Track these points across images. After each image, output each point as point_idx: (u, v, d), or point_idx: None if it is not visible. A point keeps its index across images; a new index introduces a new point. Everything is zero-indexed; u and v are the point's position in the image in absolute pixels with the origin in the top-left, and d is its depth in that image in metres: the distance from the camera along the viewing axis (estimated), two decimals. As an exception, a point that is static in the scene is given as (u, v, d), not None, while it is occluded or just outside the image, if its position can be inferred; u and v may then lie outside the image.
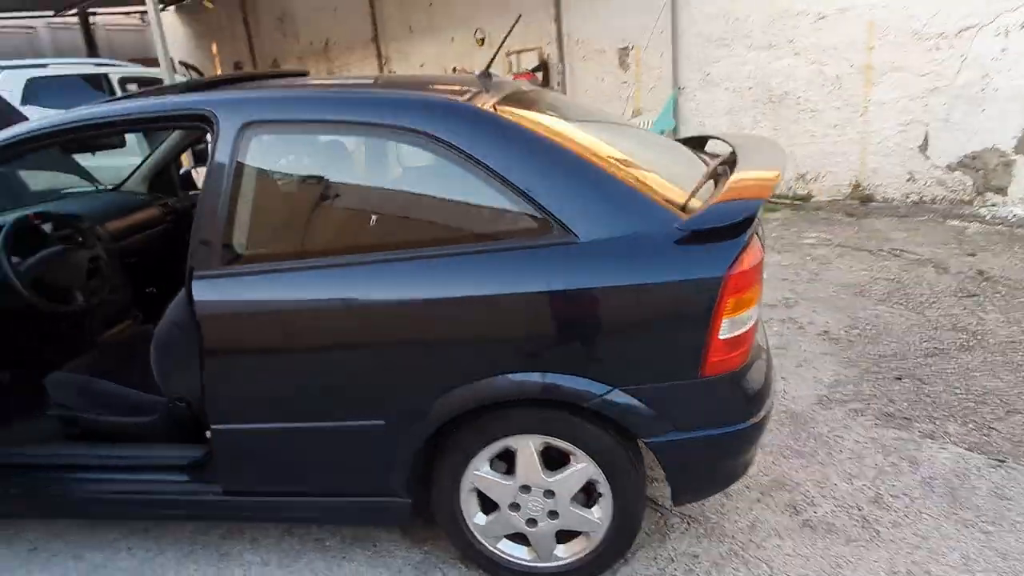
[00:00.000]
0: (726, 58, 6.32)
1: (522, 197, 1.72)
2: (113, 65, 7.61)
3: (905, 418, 2.71)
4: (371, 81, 2.18)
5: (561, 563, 1.93)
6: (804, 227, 5.45)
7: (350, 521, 2.13)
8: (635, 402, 1.72)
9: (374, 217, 1.89)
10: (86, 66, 7.64)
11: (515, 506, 1.88)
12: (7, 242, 2.29)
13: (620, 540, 1.89)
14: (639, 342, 1.71)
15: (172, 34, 15.61)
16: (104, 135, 2.09)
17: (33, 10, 13.07)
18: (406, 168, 2.05)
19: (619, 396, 1.71)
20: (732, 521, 2.20)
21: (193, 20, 14.46)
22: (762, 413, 1.83)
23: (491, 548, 1.95)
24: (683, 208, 1.75)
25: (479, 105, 1.83)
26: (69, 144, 2.45)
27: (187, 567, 2.15)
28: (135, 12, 14.77)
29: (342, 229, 1.91)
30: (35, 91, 7.22)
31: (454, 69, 9.02)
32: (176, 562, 2.17)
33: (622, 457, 1.79)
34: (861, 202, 5.85)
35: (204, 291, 1.79)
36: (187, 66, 10.39)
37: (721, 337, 1.68)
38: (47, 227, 2.59)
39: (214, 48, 13.98)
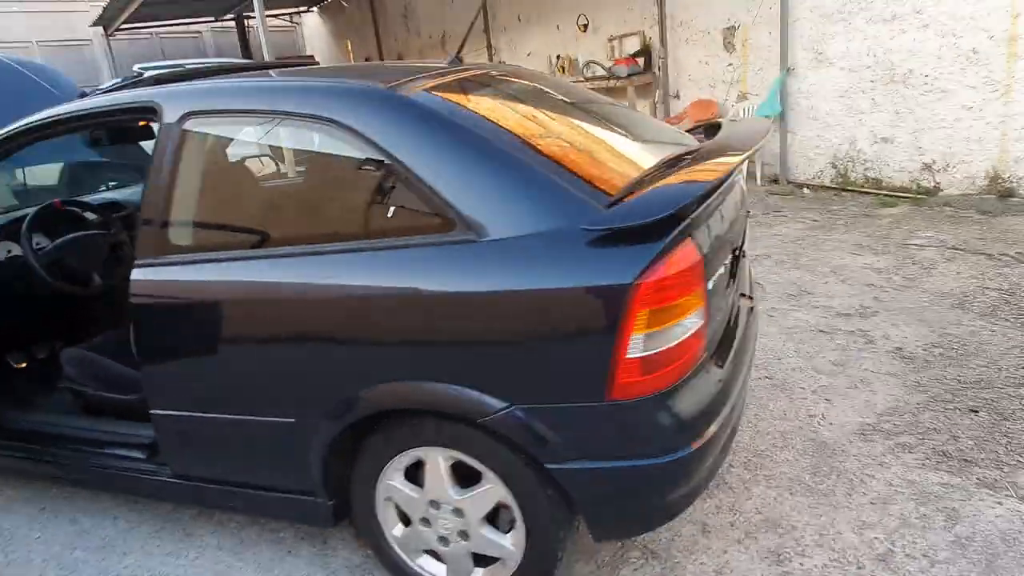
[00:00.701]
0: (842, 34, 5.63)
1: (428, 190, 1.57)
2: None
3: (965, 460, 2.25)
4: (321, 69, 2.13)
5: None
6: (919, 225, 4.74)
7: (275, 515, 2.10)
8: (536, 422, 1.52)
9: (283, 208, 1.84)
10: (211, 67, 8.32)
11: (426, 521, 1.76)
12: (30, 227, 2.50)
13: (535, 573, 1.70)
14: (540, 356, 1.51)
15: (315, 33, 16.76)
16: (60, 134, 2.21)
17: (198, 16, 14.57)
18: (322, 158, 1.96)
19: (518, 414, 1.52)
20: (697, 563, 1.92)
21: (331, 19, 15.38)
22: (699, 443, 1.56)
23: (409, 562, 1.84)
24: (617, 202, 1.53)
25: (400, 92, 1.71)
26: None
27: (153, 542, 2.24)
28: (284, 14, 16.00)
29: (257, 220, 1.88)
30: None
31: (557, 57, 8.84)
32: (146, 536, 2.27)
33: (532, 481, 1.60)
34: (999, 197, 4.98)
35: (138, 276, 1.83)
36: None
37: (631, 356, 1.44)
38: (88, 214, 2.83)
39: (348, 45, 14.78)
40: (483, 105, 1.81)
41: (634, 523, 1.67)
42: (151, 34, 15.00)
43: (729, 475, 2.28)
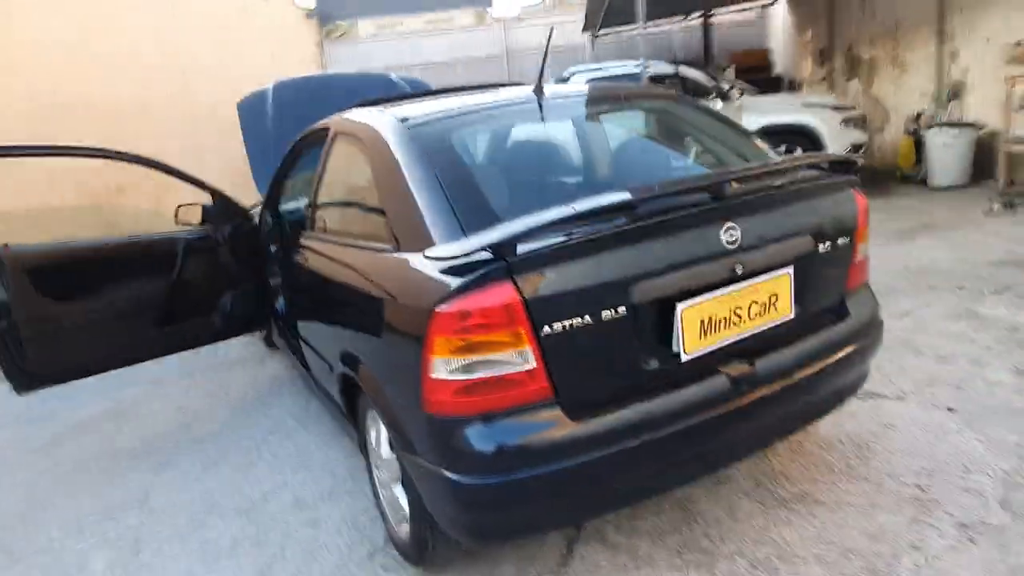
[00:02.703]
0: None
1: (381, 212, 2.11)
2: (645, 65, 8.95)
3: None
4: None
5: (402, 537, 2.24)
6: None
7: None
8: (396, 413, 1.92)
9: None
10: (627, 67, 9.22)
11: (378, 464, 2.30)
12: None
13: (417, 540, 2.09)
14: (398, 363, 1.89)
15: (780, 25, 16.24)
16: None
17: (670, 15, 15.77)
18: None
19: (399, 401, 1.93)
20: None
21: (795, 9, 14.71)
22: (499, 478, 1.71)
23: (380, 488, 2.40)
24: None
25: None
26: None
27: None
28: (751, 7, 15.96)
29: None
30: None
31: (1017, 44, 6.95)
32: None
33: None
34: None
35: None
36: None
37: (434, 376, 1.70)
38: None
39: (808, 35, 13.98)
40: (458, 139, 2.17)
41: (453, 529, 1.88)
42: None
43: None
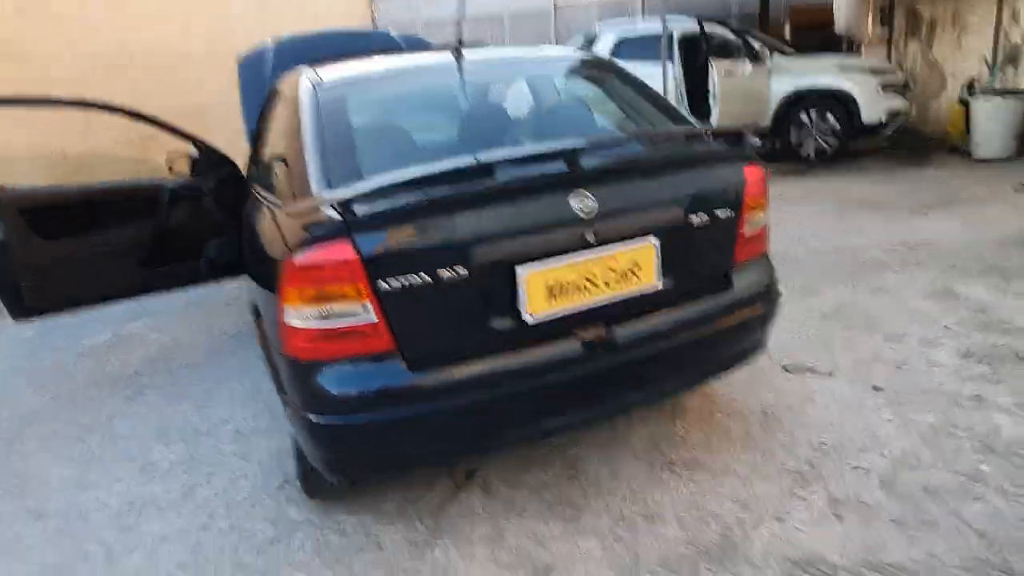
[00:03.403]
0: None
1: (286, 164, 2.24)
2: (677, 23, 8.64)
3: None
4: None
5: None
6: None
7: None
8: (272, 354, 2.08)
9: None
10: (655, 25, 8.91)
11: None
12: None
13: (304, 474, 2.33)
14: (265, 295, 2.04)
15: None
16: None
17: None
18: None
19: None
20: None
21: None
22: (337, 420, 1.85)
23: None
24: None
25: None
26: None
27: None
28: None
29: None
30: (621, 48, 9.07)
31: None
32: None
33: None
34: None
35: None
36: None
37: (288, 323, 1.85)
38: None
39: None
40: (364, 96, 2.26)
41: (316, 463, 2.04)
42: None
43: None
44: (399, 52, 5.06)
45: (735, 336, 2.29)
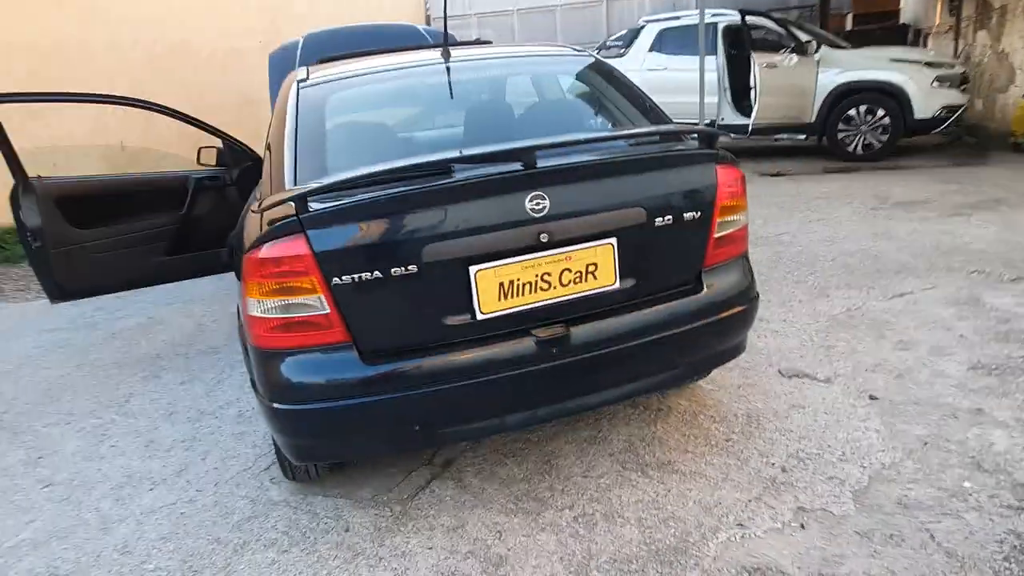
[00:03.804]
0: None
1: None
2: (722, 15, 8.43)
3: None
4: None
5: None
6: None
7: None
8: (243, 342, 2.18)
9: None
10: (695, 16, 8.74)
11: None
12: None
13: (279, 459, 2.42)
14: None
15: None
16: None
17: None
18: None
19: None
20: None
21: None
22: (289, 407, 1.93)
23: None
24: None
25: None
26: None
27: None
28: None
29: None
30: (662, 40, 8.93)
31: None
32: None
33: None
34: None
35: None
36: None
37: (250, 313, 1.94)
38: None
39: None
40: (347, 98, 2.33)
41: (281, 447, 2.13)
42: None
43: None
44: (424, 46, 5.17)
45: (707, 339, 2.26)
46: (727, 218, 2.23)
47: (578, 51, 2.83)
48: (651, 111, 2.52)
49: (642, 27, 9.11)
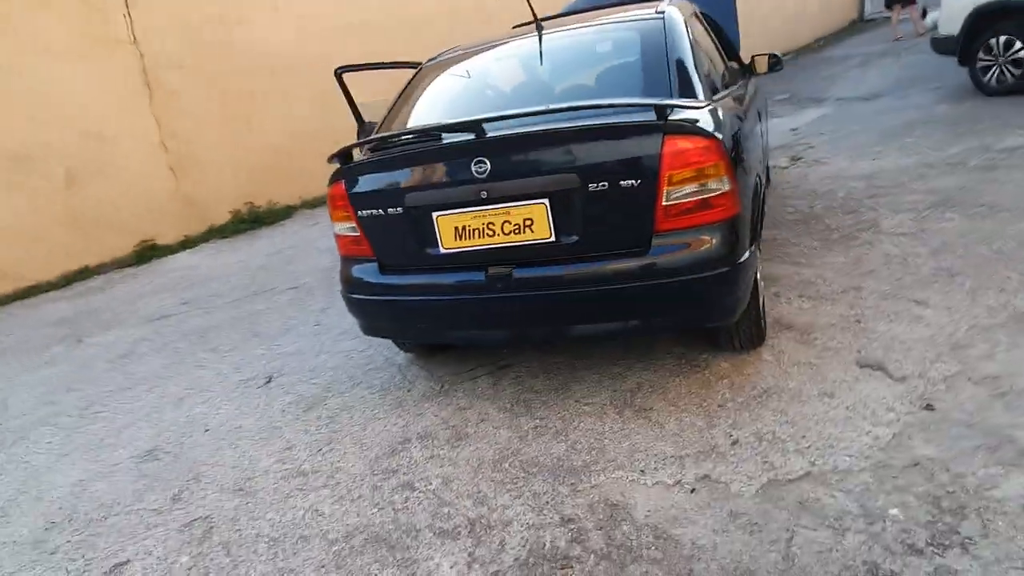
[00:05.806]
0: None
1: None
2: None
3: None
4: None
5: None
6: None
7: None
8: None
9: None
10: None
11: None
12: None
13: None
14: None
15: None
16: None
17: None
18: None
19: None
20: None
21: None
22: (360, 296, 2.92)
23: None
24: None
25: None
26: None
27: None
28: None
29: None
30: None
31: None
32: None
33: None
34: None
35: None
36: None
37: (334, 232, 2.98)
38: None
39: None
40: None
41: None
42: None
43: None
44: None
45: (656, 299, 2.39)
46: (686, 188, 2.27)
47: (657, 13, 2.88)
48: (674, 79, 2.55)
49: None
